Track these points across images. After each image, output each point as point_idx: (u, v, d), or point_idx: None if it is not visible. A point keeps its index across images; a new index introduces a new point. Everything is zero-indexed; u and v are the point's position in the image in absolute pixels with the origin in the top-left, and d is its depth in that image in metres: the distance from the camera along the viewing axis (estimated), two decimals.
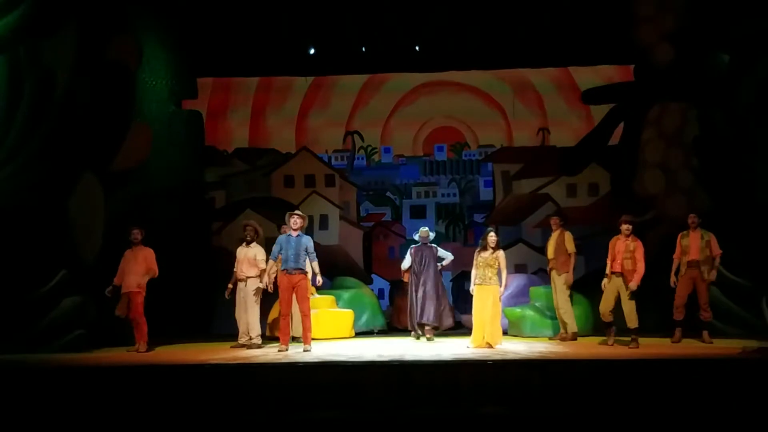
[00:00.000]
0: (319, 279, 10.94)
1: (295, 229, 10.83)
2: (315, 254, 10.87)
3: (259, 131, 17.39)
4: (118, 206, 12.24)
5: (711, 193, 12.62)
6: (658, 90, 13.56)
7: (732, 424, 8.21)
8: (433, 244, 12.29)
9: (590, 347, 11.10)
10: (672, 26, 13.21)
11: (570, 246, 11.94)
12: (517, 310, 12.84)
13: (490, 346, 10.59)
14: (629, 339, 10.79)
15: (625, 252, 10.91)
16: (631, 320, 10.83)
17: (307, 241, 10.83)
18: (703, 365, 9.04)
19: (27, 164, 10.96)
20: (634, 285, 10.83)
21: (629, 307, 10.86)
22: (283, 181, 16.33)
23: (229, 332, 12.53)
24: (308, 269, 10.91)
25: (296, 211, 11.10)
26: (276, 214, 15.35)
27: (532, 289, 13.14)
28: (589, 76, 16.11)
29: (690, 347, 10.60)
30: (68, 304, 11.01)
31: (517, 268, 15.33)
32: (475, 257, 10.87)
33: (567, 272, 11.92)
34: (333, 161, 17.62)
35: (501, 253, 10.77)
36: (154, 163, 12.94)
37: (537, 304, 12.81)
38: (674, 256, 11.36)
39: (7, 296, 10.82)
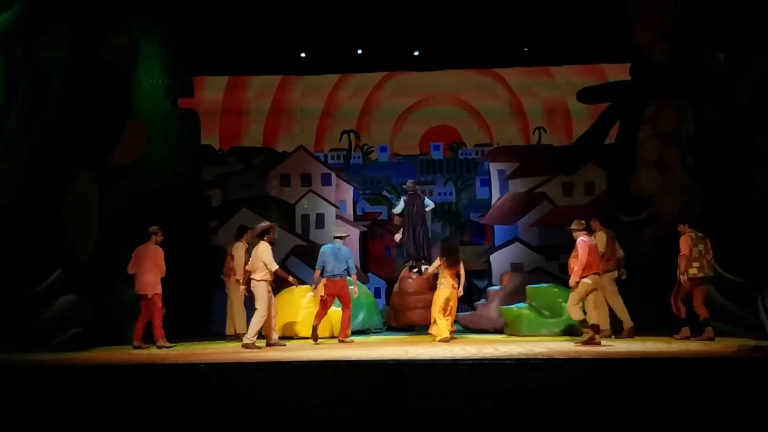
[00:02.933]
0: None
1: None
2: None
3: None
4: (113, 205, 12.23)
5: (706, 192, 12.63)
6: (653, 88, 13.58)
7: (728, 423, 8.21)
8: (419, 193, 14.46)
9: (585, 346, 11.08)
10: (668, 25, 13.22)
11: (601, 245, 11.60)
12: (514, 308, 12.82)
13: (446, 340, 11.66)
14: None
15: (573, 252, 11.03)
16: (571, 316, 10.99)
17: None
18: (698, 364, 9.05)
19: (22, 163, 10.94)
20: (571, 281, 10.87)
21: (568, 302, 10.98)
22: (280, 179, 16.33)
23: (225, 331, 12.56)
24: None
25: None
26: (272, 212, 15.38)
27: (528, 288, 13.11)
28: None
29: (685, 346, 10.60)
30: (64, 303, 11.00)
31: (513, 266, 15.35)
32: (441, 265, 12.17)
33: (611, 270, 11.62)
34: (329, 160, 17.61)
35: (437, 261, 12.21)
36: (149, 161, 12.94)
37: (534, 303, 12.78)
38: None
39: (3, 295, 10.81)
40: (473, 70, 16.82)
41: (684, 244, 11.19)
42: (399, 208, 14.37)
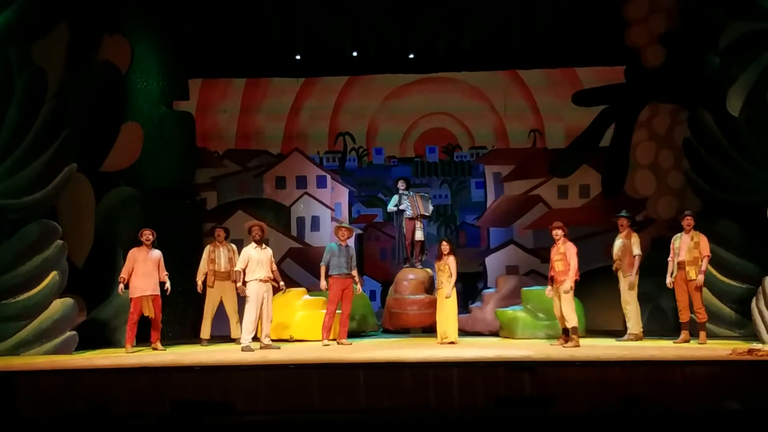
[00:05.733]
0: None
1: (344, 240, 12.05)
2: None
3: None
4: (108, 207, 12.22)
5: (701, 195, 12.66)
6: (649, 92, 13.61)
7: (722, 427, 8.22)
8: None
9: (581, 349, 11.10)
10: (663, 28, 13.26)
11: (636, 248, 11.57)
12: (509, 311, 12.83)
13: (452, 343, 11.56)
14: (569, 338, 11.00)
15: (556, 255, 11.17)
16: (568, 320, 11.04)
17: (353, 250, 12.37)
18: (692, 367, 9.06)
19: (17, 165, 10.91)
20: (566, 286, 10.99)
21: (565, 308, 11.03)
22: (275, 182, 16.31)
23: (222, 334, 12.54)
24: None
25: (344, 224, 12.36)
26: (267, 215, 15.36)
27: (523, 290, 13.11)
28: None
29: (679, 349, 10.62)
30: (59, 306, 10.97)
31: (508, 269, 15.35)
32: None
33: (631, 274, 11.53)
34: (324, 162, 17.59)
35: (451, 258, 11.77)
36: (145, 163, 12.93)
37: (529, 306, 12.78)
38: (669, 258, 11.38)
39: None
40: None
41: (707, 245, 11.15)
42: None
